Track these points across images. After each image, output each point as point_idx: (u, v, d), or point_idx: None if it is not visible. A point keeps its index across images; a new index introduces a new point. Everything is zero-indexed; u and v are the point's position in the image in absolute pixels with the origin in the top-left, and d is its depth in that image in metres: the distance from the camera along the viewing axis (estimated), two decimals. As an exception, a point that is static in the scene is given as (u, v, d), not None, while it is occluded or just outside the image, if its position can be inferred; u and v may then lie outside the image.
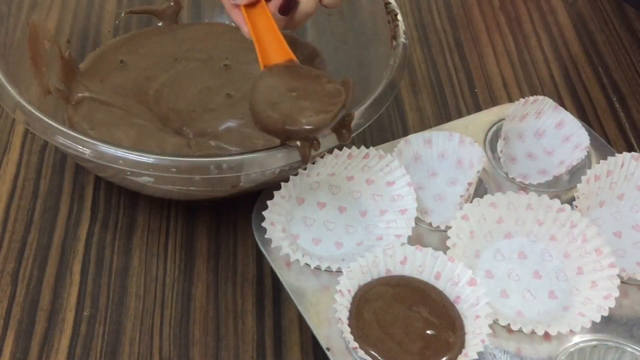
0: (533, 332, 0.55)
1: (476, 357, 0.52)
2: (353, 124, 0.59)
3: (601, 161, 0.63)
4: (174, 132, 0.69)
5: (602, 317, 0.55)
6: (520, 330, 0.56)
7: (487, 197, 0.60)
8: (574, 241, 0.59)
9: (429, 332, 0.54)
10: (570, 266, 0.59)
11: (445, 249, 0.58)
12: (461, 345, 0.54)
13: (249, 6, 0.61)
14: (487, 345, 0.54)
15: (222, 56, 0.76)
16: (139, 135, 0.67)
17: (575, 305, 0.57)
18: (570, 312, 0.57)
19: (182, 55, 0.76)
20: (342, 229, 0.62)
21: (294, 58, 0.60)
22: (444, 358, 0.53)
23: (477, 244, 0.60)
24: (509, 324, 0.55)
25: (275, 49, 0.60)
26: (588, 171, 0.63)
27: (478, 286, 0.55)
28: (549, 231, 0.60)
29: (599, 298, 0.56)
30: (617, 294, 0.56)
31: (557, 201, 0.59)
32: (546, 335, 0.55)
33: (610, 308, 0.55)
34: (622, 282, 0.57)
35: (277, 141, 0.58)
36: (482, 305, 0.54)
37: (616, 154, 0.64)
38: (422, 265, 0.57)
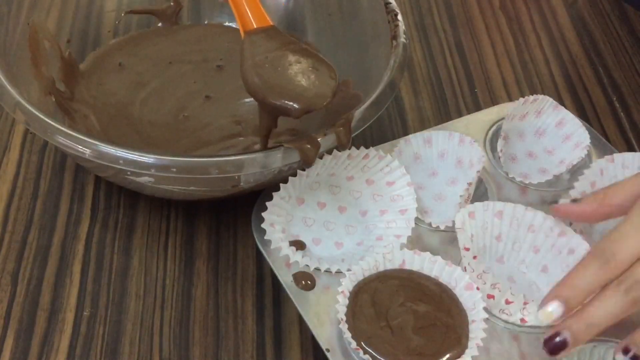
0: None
1: None
2: (353, 124, 0.59)
3: (601, 160, 0.63)
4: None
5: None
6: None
7: (496, 203, 0.59)
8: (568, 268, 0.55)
9: (432, 325, 0.54)
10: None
11: (444, 249, 0.59)
12: (465, 344, 0.53)
13: None
14: (486, 346, 0.54)
15: (217, 57, 0.76)
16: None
17: None
18: None
19: (177, 57, 0.76)
20: (342, 229, 0.62)
21: (273, 25, 0.59)
22: (447, 355, 0.52)
23: (474, 250, 0.60)
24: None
25: (255, 15, 0.60)
26: (586, 171, 0.63)
27: (475, 291, 0.55)
28: (541, 262, 0.59)
29: None
30: None
31: (561, 224, 0.58)
32: (547, 335, 0.55)
33: None
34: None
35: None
36: (478, 309, 0.54)
37: (616, 153, 0.64)
38: (420, 269, 0.57)
